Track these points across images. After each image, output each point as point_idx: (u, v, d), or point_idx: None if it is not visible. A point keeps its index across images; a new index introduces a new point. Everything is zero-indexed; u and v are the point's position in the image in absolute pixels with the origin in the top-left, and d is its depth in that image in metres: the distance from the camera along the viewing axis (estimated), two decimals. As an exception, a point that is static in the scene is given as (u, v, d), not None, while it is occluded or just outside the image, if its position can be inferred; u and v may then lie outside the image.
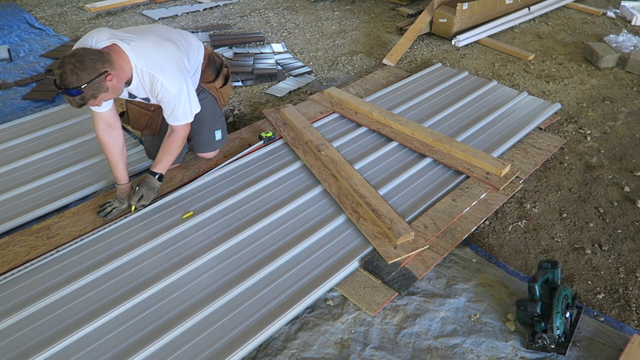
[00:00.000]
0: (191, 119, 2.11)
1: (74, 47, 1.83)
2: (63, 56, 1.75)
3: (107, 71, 1.78)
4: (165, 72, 1.93)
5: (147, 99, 2.12)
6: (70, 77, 1.71)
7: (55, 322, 1.71)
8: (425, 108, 3.01)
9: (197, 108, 2.12)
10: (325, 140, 2.58)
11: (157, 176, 2.15)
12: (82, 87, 1.73)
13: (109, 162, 2.15)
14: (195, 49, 2.23)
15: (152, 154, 2.42)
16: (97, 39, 1.86)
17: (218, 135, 2.46)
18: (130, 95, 2.10)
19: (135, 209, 2.16)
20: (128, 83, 1.95)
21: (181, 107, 2.03)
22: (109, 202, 2.17)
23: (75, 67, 1.71)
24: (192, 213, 2.17)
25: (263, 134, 2.61)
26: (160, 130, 2.34)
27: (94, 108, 2.00)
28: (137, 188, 2.14)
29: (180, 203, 2.24)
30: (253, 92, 3.36)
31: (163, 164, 2.16)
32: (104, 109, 2.04)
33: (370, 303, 1.78)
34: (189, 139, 2.37)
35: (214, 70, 2.40)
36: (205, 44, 4.07)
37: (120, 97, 2.12)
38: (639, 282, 1.95)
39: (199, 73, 2.27)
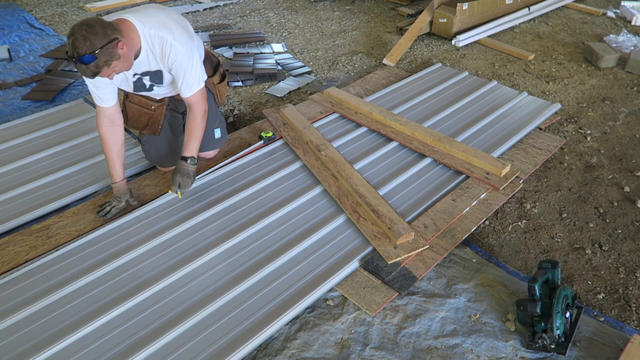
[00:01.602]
0: (202, 84, 2.09)
1: None
2: (72, 26, 1.74)
3: (117, 38, 1.78)
4: (174, 32, 1.94)
5: (158, 77, 2.10)
6: (82, 43, 1.69)
7: (55, 322, 1.71)
8: (425, 108, 3.01)
9: (204, 73, 2.12)
10: (325, 140, 2.58)
11: (188, 160, 2.13)
12: (96, 52, 1.72)
13: (107, 159, 2.15)
14: (197, 37, 2.23)
15: (152, 155, 2.41)
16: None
17: (217, 133, 2.45)
18: (137, 86, 2.10)
19: (182, 194, 2.16)
20: (136, 56, 1.94)
21: (193, 71, 2.03)
22: (108, 201, 2.18)
23: (87, 32, 1.70)
24: (180, 195, 2.16)
25: (263, 134, 2.61)
26: (162, 129, 2.33)
27: (101, 96, 2.01)
28: (173, 177, 2.13)
29: (180, 203, 2.25)
30: (253, 92, 3.36)
31: (192, 146, 2.14)
32: (109, 104, 2.05)
33: (370, 303, 1.78)
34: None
35: (211, 67, 2.40)
36: (204, 43, 4.09)
37: (126, 89, 2.14)
38: (639, 282, 1.95)
39: (202, 60, 2.27)
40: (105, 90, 2.02)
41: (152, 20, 1.92)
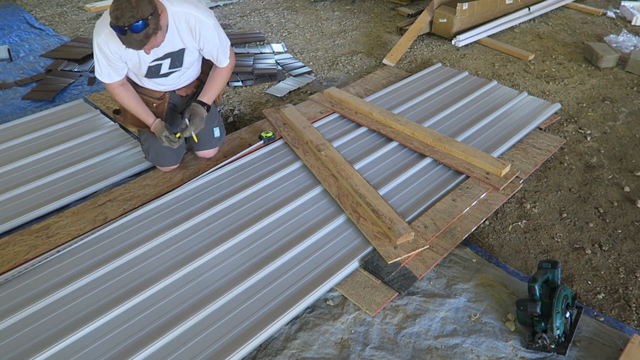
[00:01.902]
0: (229, 48, 2.20)
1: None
2: (112, 2, 1.74)
3: (157, 9, 1.81)
4: (199, 8, 2.02)
5: (173, 70, 2.17)
6: (131, 10, 1.69)
7: (55, 322, 1.71)
8: (425, 108, 3.01)
9: (228, 39, 2.21)
10: (325, 140, 2.58)
11: (205, 106, 2.24)
12: (148, 18, 1.74)
13: (134, 111, 2.21)
14: None
15: (151, 155, 2.39)
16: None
17: (217, 132, 2.45)
18: (151, 71, 2.12)
19: (190, 135, 2.25)
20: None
21: (223, 39, 2.13)
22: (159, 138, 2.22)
23: (132, 3, 1.70)
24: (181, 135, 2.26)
25: (263, 134, 2.62)
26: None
27: (112, 72, 2.07)
28: (190, 119, 2.20)
29: (180, 203, 2.25)
30: (253, 92, 3.36)
31: (210, 95, 2.26)
32: (118, 77, 2.11)
33: (370, 303, 1.78)
34: (186, 139, 2.38)
35: (209, 66, 2.39)
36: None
37: (135, 75, 2.18)
38: (639, 282, 1.95)
39: (199, 61, 2.30)
40: (119, 66, 2.07)
41: (176, 1, 1.95)
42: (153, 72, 2.14)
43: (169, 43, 2.02)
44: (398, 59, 3.73)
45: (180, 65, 2.18)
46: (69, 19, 4.68)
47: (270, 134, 2.61)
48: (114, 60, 2.02)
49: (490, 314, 1.79)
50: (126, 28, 1.71)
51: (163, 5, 1.91)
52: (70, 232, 2.08)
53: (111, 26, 1.75)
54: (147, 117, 2.23)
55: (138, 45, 1.79)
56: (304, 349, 1.66)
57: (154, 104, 2.30)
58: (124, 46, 1.86)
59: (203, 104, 2.24)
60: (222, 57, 2.19)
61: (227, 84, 3.39)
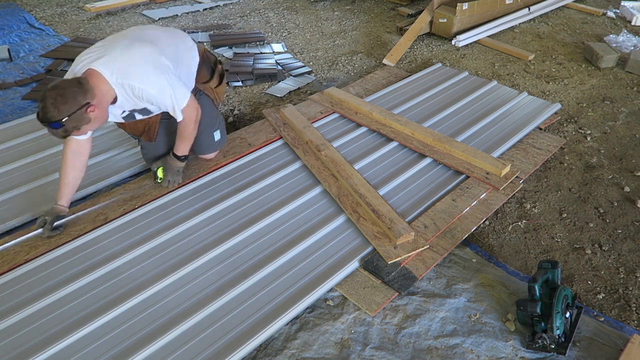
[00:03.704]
0: (186, 102, 2.06)
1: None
2: (44, 89, 1.77)
3: (88, 102, 1.80)
4: (142, 77, 1.91)
5: (147, 115, 2.15)
6: (51, 110, 1.73)
7: (55, 322, 1.71)
8: (425, 108, 3.01)
9: (185, 92, 2.06)
10: (325, 140, 2.58)
11: (181, 158, 2.24)
12: (63, 120, 1.75)
13: (60, 179, 2.08)
14: (186, 48, 2.20)
15: (149, 159, 2.42)
16: (74, 69, 1.91)
17: (217, 136, 2.45)
18: (129, 116, 2.11)
19: (161, 179, 2.30)
20: (115, 101, 1.95)
21: (173, 100, 2.02)
22: (42, 217, 2.06)
23: (56, 100, 1.73)
24: (162, 170, 2.29)
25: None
26: (158, 135, 2.32)
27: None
28: (164, 173, 2.27)
29: (180, 203, 2.25)
30: (253, 92, 3.36)
31: (184, 147, 2.23)
32: (81, 137, 2.03)
33: (370, 303, 1.78)
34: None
35: (209, 70, 2.38)
36: (200, 42, 4.09)
37: (117, 121, 2.14)
38: (639, 282, 1.95)
39: (194, 73, 2.25)
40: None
41: (119, 67, 1.88)
42: (129, 117, 2.14)
43: (127, 104, 2.01)
44: (398, 59, 3.73)
45: (151, 112, 2.15)
46: (69, 19, 4.68)
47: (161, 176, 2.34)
48: None
49: (490, 314, 1.79)
50: (44, 124, 1.76)
51: (103, 80, 1.86)
52: (70, 233, 2.08)
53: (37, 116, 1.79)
54: (62, 193, 2.08)
55: (60, 137, 1.83)
56: (304, 349, 1.66)
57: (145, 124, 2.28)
58: None
59: (178, 156, 2.24)
60: (177, 114, 2.07)
61: (227, 84, 3.39)
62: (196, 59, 2.26)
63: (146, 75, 1.93)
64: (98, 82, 1.85)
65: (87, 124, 1.84)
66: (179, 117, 2.09)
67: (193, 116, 2.13)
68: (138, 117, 2.14)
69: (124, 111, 2.07)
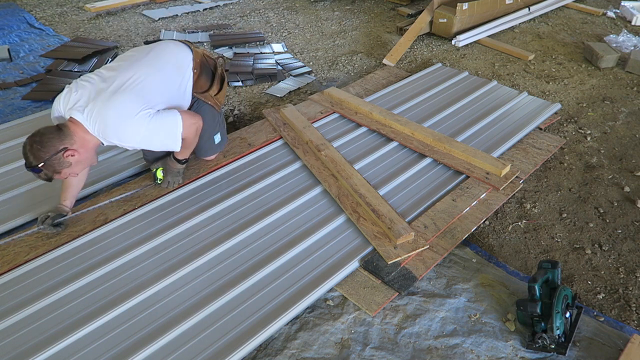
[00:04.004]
0: (179, 129, 2.02)
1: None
2: (27, 138, 1.84)
3: (66, 147, 1.84)
4: (119, 134, 1.91)
5: None
6: (29, 157, 1.82)
7: (55, 322, 1.71)
8: (425, 108, 3.01)
9: (176, 121, 2.02)
10: (325, 140, 2.58)
11: (182, 161, 2.28)
12: (40, 165, 1.81)
13: (64, 181, 2.09)
14: (179, 67, 2.14)
15: (149, 159, 2.43)
16: (58, 107, 1.95)
17: (217, 139, 2.44)
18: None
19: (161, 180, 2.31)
20: (100, 144, 1.97)
21: (162, 144, 2.05)
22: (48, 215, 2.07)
23: (33, 147, 1.81)
24: (162, 171, 2.29)
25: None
26: None
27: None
28: (164, 175, 2.29)
29: (181, 203, 2.25)
30: (253, 92, 3.36)
31: (185, 152, 2.24)
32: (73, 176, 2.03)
33: (370, 303, 1.78)
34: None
35: (208, 77, 2.30)
36: (199, 43, 4.08)
37: None
38: (639, 282, 1.95)
39: (189, 89, 2.20)
40: None
41: (100, 122, 1.87)
42: None
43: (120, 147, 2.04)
44: (398, 59, 3.73)
45: None
46: (69, 19, 4.68)
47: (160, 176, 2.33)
48: None
49: (490, 314, 1.79)
50: (27, 168, 1.84)
51: (84, 129, 1.88)
52: (70, 233, 2.08)
53: None
54: (65, 194, 2.12)
55: (44, 180, 1.89)
56: (304, 349, 1.66)
57: None
58: None
59: (178, 160, 2.26)
60: (173, 148, 2.08)
61: (228, 84, 3.39)
62: (189, 76, 2.18)
63: (124, 132, 1.92)
64: (79, 130, 1.90)
65: (68, 168, 1.89)
66: (175, 149, 2.09)
67: (193, 131, 2.13)
68: None
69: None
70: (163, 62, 2.11)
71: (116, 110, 1.89)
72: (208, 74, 2.32)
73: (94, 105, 1.88)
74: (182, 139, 2.09)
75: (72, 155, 1.87)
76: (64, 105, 1.93)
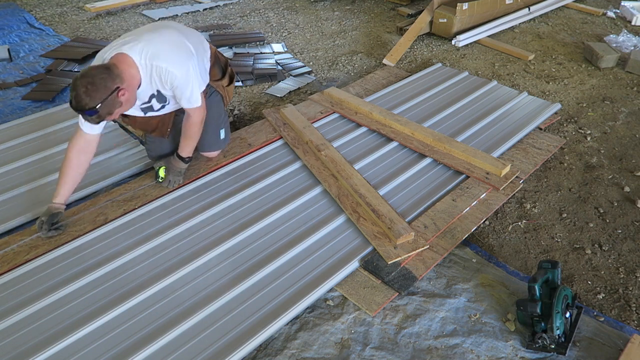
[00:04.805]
0: (200, 99, 2.11)
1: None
2: (74, 78, 1.79)
3: (118, 87, 1.83)
4: (168, 59, 1.95)
5: (163, 104, 2.15)
6: (84, 98, 1.76)
7: (55, 322, 1.71)
8: (425, 108, 3.01)
9: (202, 86, 2.14)
10: (325, 140, 2.58)
11: (186, 159, 2.29)
12: (97, 107, 1.78)
13: (61, 176, 2.06)
14: (201, 43, 2.23)
15: (154, 155, 2.42)
16: (103, 55, 1.93)
17: (222, 134, 2.46)
18: (145, 110, 2.13)
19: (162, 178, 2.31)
20: (139, 85, 1.96)
21: (191, 89, 2.06)
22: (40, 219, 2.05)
23: (88, 89, 1.75)
24: (164, 170, 2.30)
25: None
26: (170, 131, 2.34)
27: (91, 126, 2.01)
28: (165, 173, 2.29)
29: (180, 203, 2.25)
30: (253, 92, 3.36)
31: (189, 148, 2.27)
32: (95, 132, 2.04)
33: (370, 303, 1.78)
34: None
35: (220, 69, 2.40)
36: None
37: (136, 114, 2.15)
38: (639, 282, 1.95)
39: (208, 70, 2.27)
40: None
41: (148, 49, 1.92)
42: (147, 109, 2.16)
43: (148, 90, 2.03)
44: (398, 59, 3.73)
45: (167, 102, 2.16)
46: (69, 19, 4.68)
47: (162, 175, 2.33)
48: None
49: (490, 314, 1.79)
50: (78, 112, 1.80)
51: (132, 63, 1.89)
52: (70, 233, 2.08)
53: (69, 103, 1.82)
54: (60, 191, 2.06)
55: (95, 123, 1.88)
56: (304, 349, 1.66)
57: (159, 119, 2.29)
58: None
59: (182, 158, 2.28)
60: (186, 103, 2.09)
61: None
62: (209, 57, 2.28)
63: (173, 58, 1.97)
64: (126, 66, 1.88)
65: (119, 107, 1.88)
66: (188, 106, 2.10)
67: (200, 115, 2.17)
68: (156, 106, 2.15)
69: (143, 103, 2.09)
70: (189, 32, 2.18)
71: (168, 38, 2.00)
72: (220, 67, 2.40)
73: (143, 37, 1.94)
74: (189, 125, 2.15)
75: (123, 95, 1.86)
76: (108, 52, 1.91)
